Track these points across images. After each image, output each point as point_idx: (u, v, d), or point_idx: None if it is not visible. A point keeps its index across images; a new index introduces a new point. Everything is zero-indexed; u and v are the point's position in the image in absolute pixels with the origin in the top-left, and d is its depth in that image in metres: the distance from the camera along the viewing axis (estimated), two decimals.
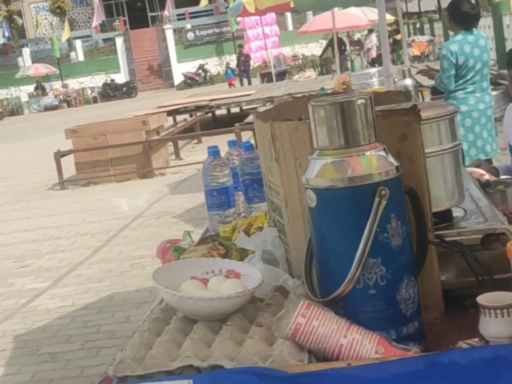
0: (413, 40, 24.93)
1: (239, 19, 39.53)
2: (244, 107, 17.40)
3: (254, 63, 25.70)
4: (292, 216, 1.78)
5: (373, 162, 1.45)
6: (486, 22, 14.92)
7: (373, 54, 26.62)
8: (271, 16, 23.39)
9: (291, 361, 1.37)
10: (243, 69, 29.83)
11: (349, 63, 25.81)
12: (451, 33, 22.47)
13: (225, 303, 1.50)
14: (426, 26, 28.01)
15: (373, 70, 6.95)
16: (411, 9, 38.67)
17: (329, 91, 9.48)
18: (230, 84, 29.38)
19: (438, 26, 25.15)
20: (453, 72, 6.42)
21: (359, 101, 1.46)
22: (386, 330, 1.45)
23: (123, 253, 7.61)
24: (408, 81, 6.48)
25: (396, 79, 7.13)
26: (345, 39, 26.78)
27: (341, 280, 1.45)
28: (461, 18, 6.38)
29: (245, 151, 2.44)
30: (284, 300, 1.64)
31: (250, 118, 12.81)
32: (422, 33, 28.50)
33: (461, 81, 6.49)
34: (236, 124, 12.05)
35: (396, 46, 26.69)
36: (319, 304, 1.45)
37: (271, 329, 1.49)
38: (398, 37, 27.88)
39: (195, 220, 8.51)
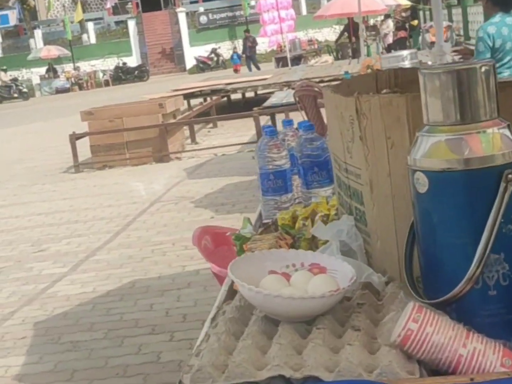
0: (431, 26, 24.52)
1: (253, 2, 39.25)
2: (259, 92, 17.17)
3: (269, 47, 25.41)
4: (378, 203, 1.57)
5: (496, 141, 1.24)
6: None
7: (390, 39, 26.29)
8: (287, 0, 23.10)
9: (401, 373, 1.16)
10: (249, 55, 29.39)
11: (365, 48, 25.45)
12: (470, 18, 22.02)
13: (317, 303, 1.29)
14: (444, 11, 27.58)
15: (405, 52, 6.73)
16: None
17: (353, 75, 9.25)
18: (236, 70, 28.80)
19: (457, 12, 24.76)
20: (488, 55, 6.17)
21: (482, 68, 1.24)
22: (506, 338, 1.24)
23: (142, 238, 7.41)
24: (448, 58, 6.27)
25: (430, 62, 6.93)
26: (361, 24, 26.40)
27: (454, 278, 1.24)
28: (499, 0, 6.12)
29: (305, 131, 2.23)
30: (375, 300, 1.43)
31: (268, 102, 12.58)
32: None
33: (497, 65, 6.22)
34: (255, 108, 11.81)
35: (413, 31, 26.36)
36: (428, 306, 1.24)
37: (369, 334, 1.28)
38: (415, 22, 27.57)
39: (215, 206, 8.32)
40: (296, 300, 1.28)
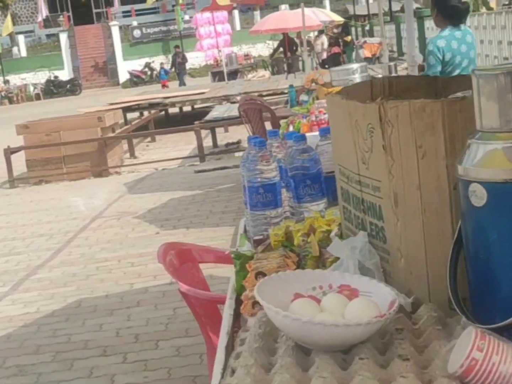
0: (365, 42, 24.87)
1: (187, 17, 39.10)
2: (197, 106, 17.02)
3: (205, 61, 25.24)
4: (404, 218, 1.44)
5: None
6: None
7: (324, 55, 26.48)
8: (223, 14, 23.03)
9: None
10: (178, 71, 28.96)
11: (300, 63, 25.59)
12: (405, 34, 22.40)
13: (360, 330, 1.15)
14: (376, 28, 27.99)
15: (355, 65, 6.66)
16: (359, 11, 38.78)
17: (298, 89, 9.19)
18: (164, 86, 28.00)
19: (390, 28, 25.15)
20: (439, 68, 6.17)
21: None
22: None
23: (85, 255, 7.15)
24: None
25: (380, 76, 6.89)
26: (296, 40, 26.57)
27: None
28: (450, 13, 6.13)
29: (296, 142, 2.09)
30: (410, 324, 1.30)
31: (209, 116, 12.44)
32: (372, 35, 28.53)
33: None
34: (196, 122, 11.65)
35: (346, 47, 26.64)
36: (487, 331, 1.12)
37: (417, 363, 1.15)
38: (348, 38, 27.89)
39: (159, 221, 8.12)
40: (340, 328, 1.15)
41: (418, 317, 1.31)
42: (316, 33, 28.81)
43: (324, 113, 6.05)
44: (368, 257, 1.57)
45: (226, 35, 22.87)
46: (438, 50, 6.13)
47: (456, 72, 6.15)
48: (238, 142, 12.72)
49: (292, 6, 38.91)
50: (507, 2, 26.49)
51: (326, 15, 26.10)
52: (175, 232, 7.50)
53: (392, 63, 6.43)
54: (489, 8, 16.88)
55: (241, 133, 14.11)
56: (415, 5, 41.52)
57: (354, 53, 25.12)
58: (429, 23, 18.08)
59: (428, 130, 1.35)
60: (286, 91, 15.24)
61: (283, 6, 38.27)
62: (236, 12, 40.17)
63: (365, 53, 24.21)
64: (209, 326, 3.16)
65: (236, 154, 11.97)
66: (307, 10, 26.06)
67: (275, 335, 1.28)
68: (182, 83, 28.13)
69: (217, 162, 11.43)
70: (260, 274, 1.57)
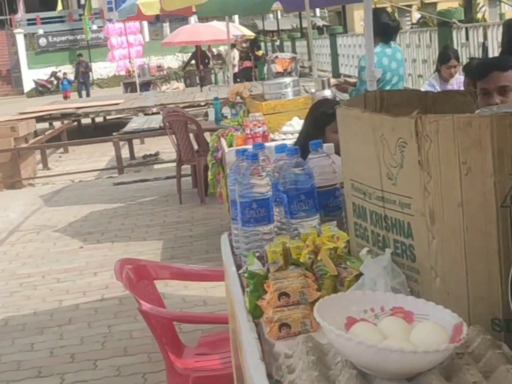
0: (277, 57, 24.97)
1: (95, 27, 38.49)
2: (108, 117, 16.74)
3: (117, 71, 24.86)
4: (442, 236, 1.40)
5: None
6: (363, 41, 15.24)
7: (235, 69, 26.53)
8: (135, 25, 22.80)
9: None
10: (82, 81, 28.38)
11: (212, 76, 25.58)
12: (316, 50, 22.61)
13: (429, 358, 1.10)
14: (287, 43, 28.32)
15: (287, 79, 6.66)
16: (268, 27, 39.15)
17: (222, 101, 9.14)
18: (66, 97, 27.08)
19: (300, 44, 25.47)
20: None
21: None
22: None
23: (6, 271, 6.86)
24: (328, 92, 6.27)
25: (313, 90, 6.91)
26: (208, 53, 26.56)
27: None
28: (381, 30, 6.20)
29: (289, 156, 2.02)
30: (465, 346, 1.25)
31: (128, 128, 12.23)
32: (282, 50, 28.79)
33: None
34: (115, 133, 11.42)
35: (258, 62, 26.79)
36: None
37: None
38: (260, 53, 28.06)
39: (82, 235, 7.88)
40: (407, 354, 1.08)
41: (469, 340, 1.27)
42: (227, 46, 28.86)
43: (259, 126, 6.02)
44: (391, 276, 1.52)
45: (138, 45, 22.64)
46: None
47: (387, 88, 6.23)
48: (156, 154, 12.56)
49: (201, 20, 38.93)
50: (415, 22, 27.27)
51: (238, 29, 26.19)
52: (100, 246, 7.30)
53: (325, 78, 6.46)
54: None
55: (157, 144, 13.95)
56: (322, 22, 42.17)
57: (265, 68, 25.23)
58: (341, 40, 18.46)
59: (475, 146, 1.31)
60: (203, 103, 15.22)
61: (192, 19, 38.25)
62: (145, 24, 39.86)
63: (277, 67, 24.30)
64: (168, 346, 3.05)
65: (156, 166, 11.81)
66: (219, 24, 26.15)
67: (326, 362, 1.22)
68: (87, 94, 27.51)
69: (136, 174, 11.23)
70: (283, 295, 1.50)
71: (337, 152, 2.04)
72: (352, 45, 16.49)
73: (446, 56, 7.22)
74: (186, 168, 9.37)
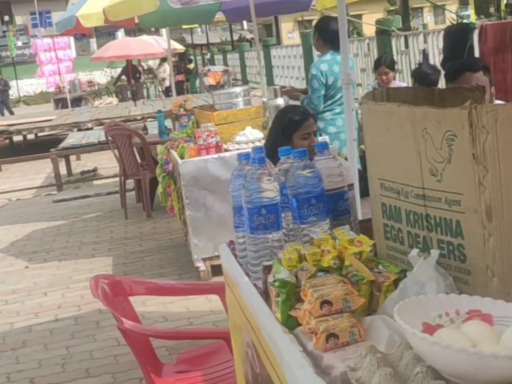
0: (209, 70, 24.96)
1: (20, 43, 37.74)
2: (40, 134, 16.32)
3: (47, 87, 24.35)
4: (501, 233, 1.32)
5: None
6: (298, 52, 15.29)
7: (167, 82, 26.35)
8: (64, 40, 22.42)
9: None
10: (1, 100, 27.59)
11: (144, 90, 25.33)
12: (249, 62, 22.70)
13: None
14: (218, 56, 28.30)
15: (238, 89, 6.57)
16: (197, 41, 39.13)
17: (165, 113, 8.98)
18: None
19: (232, 57, 25.47)
20: (323, 92, 6.22)
21: None
22: None
23: None
24: (280, 101, 6.19)
25: (264, 99, 6.84)
26: (139, 67, 26.30)
27: None
28: (330, 38, 6.18)
29: (298, 158, 1.92)
30: None
31: (66, 143, 11.91)
32: (213, 64, 28.75)
33: (329, 102, 6.30)
34: (52, 150, 11.11)
35: (189, 75, 26.69)
36: None
37: None
38: (191, 66, 27.96)
39: (26, 254, 7.60)
40: (500, 360, 0.99)
41: None
42: (158, 61, 28.68)
43: (212, 137, 5.91)
44: (433, 279, 1.43)
45: (67, 61, 22.26)
46: (321, 74, 6.17)
47: (338, 96, 6.22)
48: (95, 170, 12.30)
49: (129, 33, 38.51)
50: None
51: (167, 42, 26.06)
52: (47, 265, 7.04)
53: (277, 87, 6.39)
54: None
55: (94, 160, 13.69)
56: (250, 35, 42.19)
57: (198, 81, 25.16)
58: (275, 52, 18.51)
59: None
60: (139, 117, 15.00)
61: (119, 34, 37.90)
62: (71, 39, 39.30)
63: (210, 81, 24.29)
64: (148, 365, 2.91)
65: (95, 182, 11.55)
66: (149, 38, 25.95)
67: (400, 373, 1.11)
68: (10, 112, 26.64)
69: (76, 191, 10.94)
70: (325, 303, 1.39)
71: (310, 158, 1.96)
72: (287, 56, 16.52)
73: (376, 63, 7.33)
74: (128, 183, 9.16)
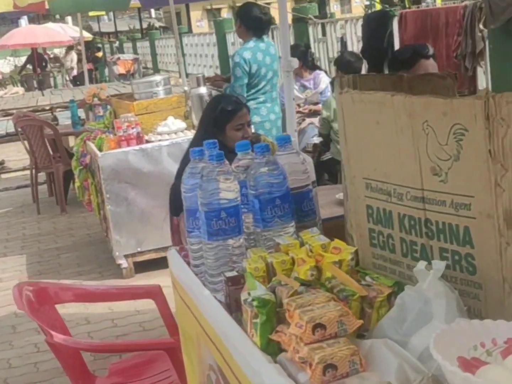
0: (119, 58, 24.38)
1: None
2: None
3: None
4: None
5: None
6: (211, 40, 15.02)
7: (75, 71, 25.64)
8: None
9: None
10: None
11: (51, 79, 24.54)
12: (159, 51, 22.29)
13: None
14: (127, 45, 27.67)
15: (158, 77, 6.29)
16: (104, 29, 38.28)
17: (78, 103, 8.58)
18: None
19: (142, 45, 24.96)
20: (246, 80, 6.01)
21: None
22: None
23: None
24: (203, 89, 5.96)
25: (186, 88, 6.57)
26: (45, 56, 25.49)
27: None
28: (253, 24, 5.98)
29: (260, 153, 1.71)
30: None
31: None
32: (123, 52, 28.13)
33: (253, 91, 6.09)
34: None
35: (98, 64, 26.04)
36: None
37: None
38: (100, 54, 27.28)
39: None
40: None
41: None
42: (64, 49, 27.88)
43: (133, 128, 5.63)
44: (432, 292, 1.25)
45: None
46: (244, 61, 5.96)
47: (262, 84, 6.03)
48: (2, 163, 11.74)
49: (33, 21, 37.28)
50: None
51: (75, 30, 25.32)
52: None
53: (200, 75, 6.14)
54: None
55: (1, 153, 13.08)
56: (159, 23, 41.55)
57: (107, 70, 24.55)
58: (187, 40, 18.17)
59: None
60: (47, 107, 14.44)
61: (23, 22, 36.68)
62: None
63: (119, 69, 23.73)
64: (80, 379, 2.65)
65: (3, 175, 11.02)
66: (55, 26, 25.18)
67: None
68: None
69: None
70: (318, 327, 1.19)
71: None
72: (200, 44, 16.23)
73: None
74: (40, 176, 8.74)
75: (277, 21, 6.14)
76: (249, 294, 1.36)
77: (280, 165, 1.73)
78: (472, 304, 1.24)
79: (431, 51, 3.26)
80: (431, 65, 3.17)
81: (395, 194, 1.33)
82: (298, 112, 7.23)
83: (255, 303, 1.31)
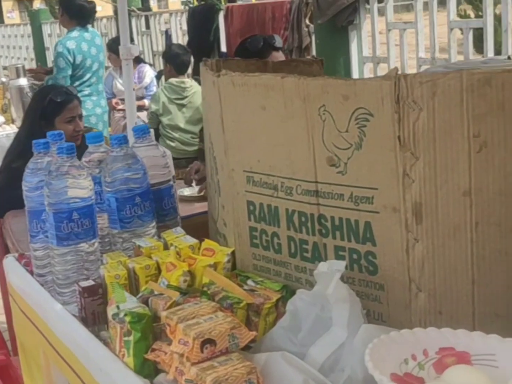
0: None
1: None
2: None
3: None
4: (435, 237, 1.04)
5: None
6: (25, 31, 14.29)
7: None
8: None
9: None
10: None
11: None
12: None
13: None
14: None
15: None
16: None
17: None
18: None
19: None
20: (70, 71, 5.69)
21: None
22: None
23: None
24: (23, 81, 5.57)
25: (3, 79, 6.12)
26: None
27: None
28: (76, 12, 5.68)
29: (117, 145, 1.50)
30: None
31: None
32: None
33: (77, 83, 5.77)
34: None
35: None
36: None
37: None
38: None
39: None
40: None
41: None
42: None
43: None
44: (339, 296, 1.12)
45: None
46: (68, 52, 5.64)
47: (87, 76, 5.75)
48: None
49: None
50: None
51: None
52: None
53: (19, 65, 5.73)
54: None
55: None
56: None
57: None
58: (49, 28, 17.01)
59: (493, 112, 0.96)
60: None
61: None
62: None
63: None
64: None
65: None
66: None
67: None
68: None
69: None
70: (207, 343, 1.02)
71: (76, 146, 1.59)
72: (13, 35, 15.44)
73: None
74: None
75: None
76: (118, 307, 1.16)
77: (140, 158, 1.54)
78: (371, 307, 1.12)
79: (280, 42, 3.17)
80: (281, 57, 3.09)
81: (283, 188, 1.19)
82: (120, 110, 7.06)
83: (127, 318, 1.12)
